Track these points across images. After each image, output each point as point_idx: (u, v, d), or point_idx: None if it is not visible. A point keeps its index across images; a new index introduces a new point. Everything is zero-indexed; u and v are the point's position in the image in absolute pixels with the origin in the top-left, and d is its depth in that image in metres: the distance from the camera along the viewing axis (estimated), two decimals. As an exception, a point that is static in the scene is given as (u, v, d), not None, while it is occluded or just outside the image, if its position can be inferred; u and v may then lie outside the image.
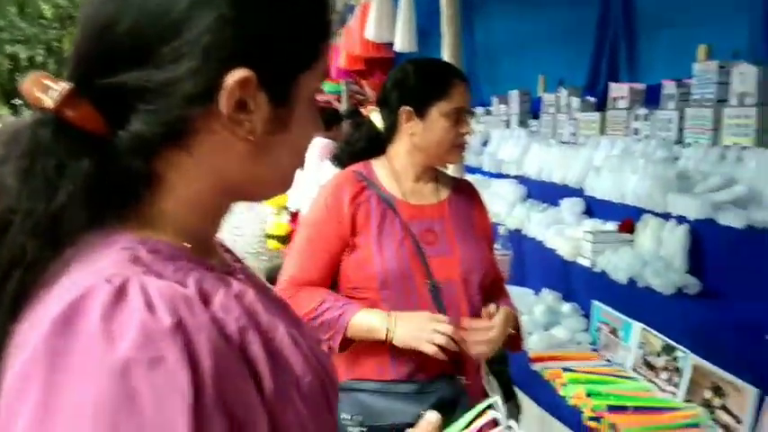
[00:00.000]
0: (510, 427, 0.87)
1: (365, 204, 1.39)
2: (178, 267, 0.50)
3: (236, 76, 0.50)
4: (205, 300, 0.49)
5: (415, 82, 1.41)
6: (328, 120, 4.03)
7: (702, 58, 2.67)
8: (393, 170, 1.44)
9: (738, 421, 1.65)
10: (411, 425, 0.71)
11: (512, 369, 1.88)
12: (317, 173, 3.84)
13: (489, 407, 0.91)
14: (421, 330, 1.28)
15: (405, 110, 1.40)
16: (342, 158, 1.56)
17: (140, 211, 0.53)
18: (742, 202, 2.17)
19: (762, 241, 1.97)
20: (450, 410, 1.26)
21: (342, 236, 1.38)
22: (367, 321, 1.32)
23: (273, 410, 0.49)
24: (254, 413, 0.47)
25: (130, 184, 0.52)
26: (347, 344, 1.35)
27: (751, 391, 1.63)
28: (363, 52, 4.22)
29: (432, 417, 0.74)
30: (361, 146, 1.52)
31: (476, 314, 1.39)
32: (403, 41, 3.05)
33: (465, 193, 1.52)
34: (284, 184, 0.60)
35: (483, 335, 1.34)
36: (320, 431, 0.55)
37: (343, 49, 4.69)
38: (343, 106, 6.18)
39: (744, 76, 2.37)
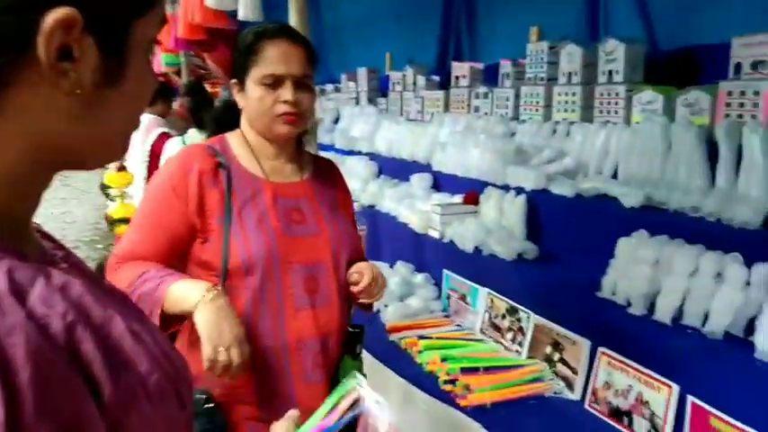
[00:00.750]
0: (378, 402, 0.86)
1: (219, 183, 1.25)
2: None
3: (56, 15, 0.42)
4: (19, 295, 0.40)
5: (236, 51, 1.33)
6: (155, 94, 3.73)
7: (534, 39, 2.86)
8: (249, 145, 1.34)
9: (575, 372, 1.81)
10: None
11: (370, 343, 1.90)
12: (141, 151, 3.60)
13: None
14: (218, 336, 1.09)
15: (232, 82, 1.33)
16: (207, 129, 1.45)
17: None
18: (571, 172, 2.39)
19: (588, 208, 2.18)
20: None
21: (186, 215, 1.23)
22: (181, 291, 1.13)
23: (115, 414, 0.42)
24: (89, 420, 0.40)
25: None
26: (170, 322, 1.16)
27: (585, 344, 1.80)
28: (203, 21, 3.96)
29: (292, 413, 0.80)
30: (216, 116, 1.42)
31: (344, 294, 1.34)
32: (246, 9, 2.88)
33: (326, 172, 1.45)
34: (118, 147, 0.51)
35: (371, 287, 1.31)
36: (172, 430, 0.49)
37: (182, 17, 4.37)
38: (183, 80, 5.81)
39: (571, 56, 2.58)
